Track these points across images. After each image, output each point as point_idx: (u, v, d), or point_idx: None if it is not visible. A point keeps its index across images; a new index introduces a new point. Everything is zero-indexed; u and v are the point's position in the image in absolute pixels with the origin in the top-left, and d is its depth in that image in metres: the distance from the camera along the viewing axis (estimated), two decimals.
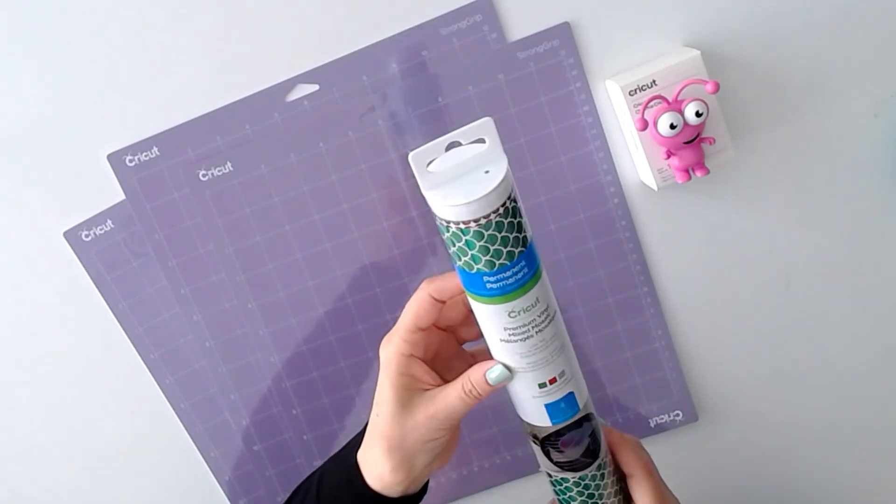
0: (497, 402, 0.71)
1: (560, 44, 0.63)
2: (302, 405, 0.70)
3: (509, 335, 0.46)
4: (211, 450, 0.71)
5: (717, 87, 0.58)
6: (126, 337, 0.69)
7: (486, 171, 0.43)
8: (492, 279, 0.44)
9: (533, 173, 0.65)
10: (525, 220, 0.45)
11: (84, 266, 0.67)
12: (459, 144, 0.44)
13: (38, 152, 0.64)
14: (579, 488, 0.52)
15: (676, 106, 0.59)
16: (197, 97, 0.64)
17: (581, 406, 0.50)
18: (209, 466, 0.72)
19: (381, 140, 0.65)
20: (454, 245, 0.44)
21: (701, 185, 0.66)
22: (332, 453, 0.70)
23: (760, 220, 0.68)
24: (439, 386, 0.50)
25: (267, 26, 0.62)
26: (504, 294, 0.45)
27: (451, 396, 0.49)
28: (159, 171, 0.65)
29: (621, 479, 0.55)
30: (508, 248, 0.43)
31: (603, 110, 0.65)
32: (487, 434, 0.71)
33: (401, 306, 0.60)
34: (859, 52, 0.64)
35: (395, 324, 0.50)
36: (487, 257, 0.43)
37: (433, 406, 0.49)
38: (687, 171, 0.62)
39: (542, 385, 0.48)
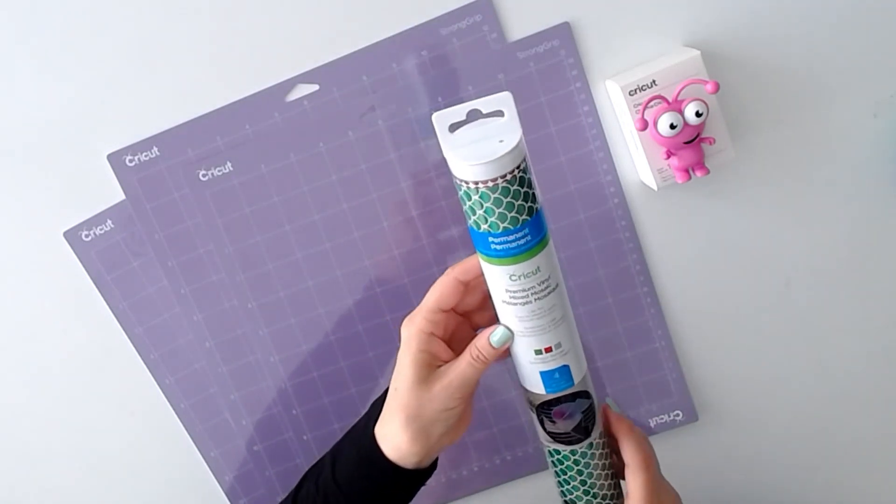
0: (497, 403, 0.71)
1: (560, 44, 0.63)
2: (302, 405, 0.70)
3: (510, 297, 0.51)
4: (211, 450, 0.71)
5: (717, 87, 0.58)
6: (126, 337, 0.69)
7: (501, 141, 0.47)
8: (496, 240, 0.48)
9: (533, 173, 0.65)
10: (535, 192, 0.49)
11: (84, 266, 0.67)
12: (480, 113, 0.48)
13: (38, 152, 0.64)
14: (569, 462, 0.56)
15: (676, 106, 0.59)
16: (197, 97, 0.64)
17: (576, 381, 0.54)
18: (209, 466, 0.72)
19: (381, 140, 0.65)
20: (465, 203, 0.49)
21: (701, 185, 0.66)
22: None
23: (760, 220, 0.68)
24: (452, 360, 0.54)
25: (267, 26, 0.62)
26: (506, 256, 0.49)
27: (462, 365, 0.53)
28: (159, 171, 0.65)
29: (616, 468, 0.58)
30: (513, 214, 0.48)
31: (603, 110, 0.65)
32: (487, 434, 0.71)
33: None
34: (859, 52, 0.64)
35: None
36: (493, 218, 0.48)
37: (447, 377, 0.53)
38: (687, 171, 0.62)
39: (538, 352, 0.52)
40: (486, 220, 0.48)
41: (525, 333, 0.52)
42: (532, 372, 0.53)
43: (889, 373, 0.72)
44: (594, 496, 0.57)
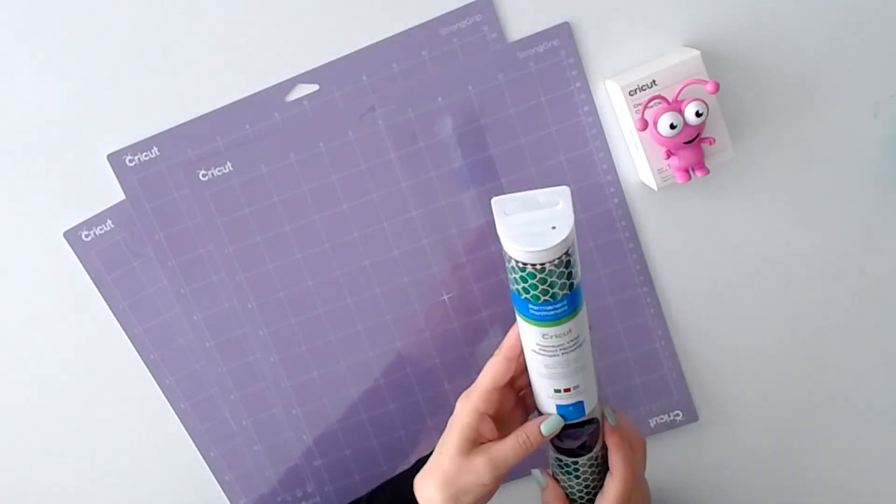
0: None
1: (560, 44, 0.63)
2: (302, 405, 0.70)
3: (540, 349, 0.54)
4: (211, 450, 0.71)
5: (717, 87, 0.58)
6: (126, 337, 0.69)
7: (553, 227, 0.49)
8: (535, 308, 0.51)
9: (533, 173, 0.65)
10: (576, 269, 0.51)
11: (84, 266, 0.67)
12: (536, 201, 0.52)
13: (38, 152, 0.64)
14: (569, 469, 0.60)
15: (676, 106, 0.59)
16: (197, 97, 0.64)
17: (587, 412, 0.57)
18: (209, 466, 0.72)
19: (381, 140, 0.65)
20: (512, 276, 0.51)
21: (701, 185, 0.66)
22: (331, 453, 0.71)
23: (760, 220, 0.68)
24: (498, 440, 0.57)
25: (267, 26, 0.62)
26: (542, 321, 0.52)
27: (507, 447, 0.57)
28: (159, 171, 0.65)
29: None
30: (555, 290, 0.50)
31: (603, 110, 0.65)
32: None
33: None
34: (859, 52, 0.64)
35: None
36: (535, 292, 0.50)
37: (488, 454, 0.56)
38: (687, 171, 0.62)
39: (557, 391, 0.56)
40: (529, 293, 0.51)
41: (548, 377, 0.55)
42: (549, 405, 0.57)
43: (889, 373, 0.72)
44: (590, 491, 0.61)
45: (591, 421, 0.58)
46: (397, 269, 0.67)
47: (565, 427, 0.58)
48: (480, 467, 0.56)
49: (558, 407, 0.57)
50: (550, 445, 0.60)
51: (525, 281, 0.50)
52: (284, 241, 0.66)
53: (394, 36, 0.63)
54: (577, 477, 0.61)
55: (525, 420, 0.60)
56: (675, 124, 0.59)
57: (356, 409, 0.70)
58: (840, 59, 0.64)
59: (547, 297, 0.50)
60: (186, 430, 0.71)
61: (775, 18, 0.63)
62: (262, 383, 0.70)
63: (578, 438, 0.59)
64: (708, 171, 0.62)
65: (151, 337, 0.69)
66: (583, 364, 0.55)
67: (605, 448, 0.60)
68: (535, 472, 0.62)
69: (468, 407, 0.57)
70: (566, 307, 0.51)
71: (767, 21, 0.63)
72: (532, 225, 0.50)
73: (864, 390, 0.73)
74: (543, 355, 0.54)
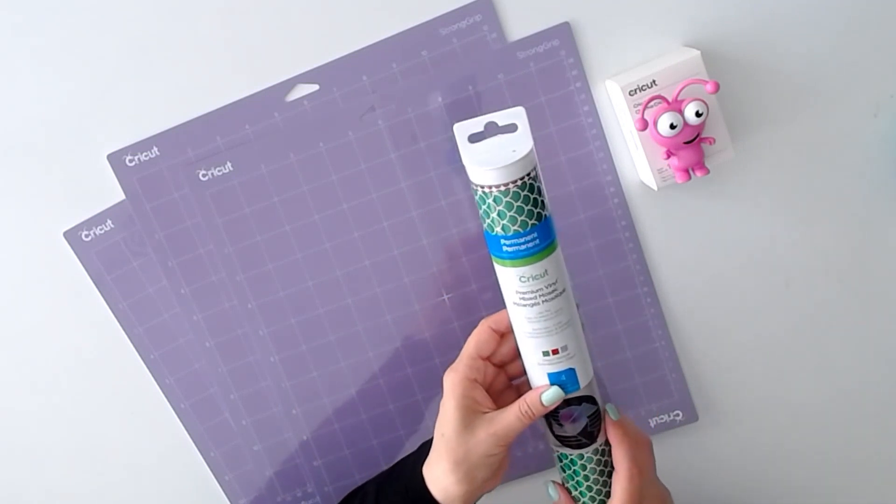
0: None
1: (560, 44, 0.63)
2: (302, 405, 0.70)
3: (520, 298, 0.54)
4: (211, 450, 0.71)
5: (717, 87, 0.58)
6: (126, 337, 0.69)
7: (514, 150, 0.52)
8: (507, 242, 0.53)
9: None
10: (544, 199, 0.53)
11: (84, 266, 0.67)
12: (496, 125, 0.55)
13: (38, 152, 0.64)
14: (576, 466, 0.59)
15: (676, 106, 0.59)
16: (197, 97, 0.64)
17: (582, 385, 0.57)
18: (209, 466, 0.72)
19: (381, 140, 0.65)
20: (481, 207, 0.53)
21: (701, 185, 0.66)
22: (331, 453, 0.70)
23: (760, 220, 0.68)
24: (495, 410, 0.57)
25: (267, 26, 0.63)
26: (517, 258, 0.53)
27: (510, 416, 0.56)
28: (159, 171, 0.65)
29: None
30: (523, 218, 0.52)
31: (603, 110, 0.65)
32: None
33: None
34: (859, 52, 0.64)
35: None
36: (505, 221, 0.52)
37: (493, 426, 0.56)
38: (687, 171, 0.62)
39: (545, 353, 0.56)
40: (499, 223, 0.52)
41: (533, 335, 0.55)
42: (540, 374, 0.57)
43: (889, 373, 0.72)
44: (599, 496, 0.60)
45: (589, 400, 0.58)
46: (397, 269, 0.67)
47: (561, 404, 0.57)
48: (487, 438, 0.56)
49: (550, 376, 0.56)
50: (554, 440, 0.59)
51: (493, 209, 0.52)
52: (284, 241, 0.66)
53: (394, 36, 0.63)
54: (586, 479, 0.59)
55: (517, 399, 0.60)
56: (675, 124, 0.59)
57: (356, 409, 0.70)
58: (840, 59, 0.64)
59: (516, 227, 0.52)
60: (186, 430, 0.71)
61: (775, 18, 0.63)
62: (262, 383, 0.70)
63: (578, 421, 0.58)
64: (708, 171, 0.62)
65: (151, 337, 0.69)
66: (567, 320, 0.55)
67: (610, 446, 0.59)
68: (549, 484, 0.62)
69: (457, 378, 0.57)
70: (537, 241, 0.53)
71: (767, 21, 0.63)
72: (493, 150, 0.53)
73: (863, 390, 0.73)
74: (524, 305, 0.54)
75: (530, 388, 0.58)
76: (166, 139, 0.64)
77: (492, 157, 0.52)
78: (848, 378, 0.72)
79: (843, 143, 0.66)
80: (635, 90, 0.60)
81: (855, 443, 0.74)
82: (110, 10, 0.62)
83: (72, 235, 0.66)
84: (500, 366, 0.60)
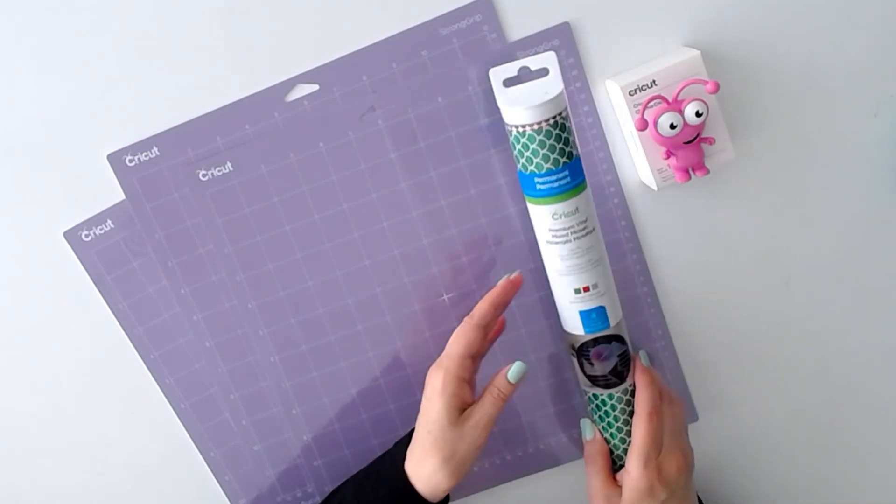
0: None
1: (560, 44, 0.63)
2: (302, 405, 0.70)
3: (552, 236, 0.58)
4: (211, 450, 0.71)
5: (717, 87, 0.58)
6: (126, 337, 0.69)
7: (545, 92, 0.56)
8: (540, 180, 0.57)
9: None
10: (574, 139, 0.57)
11: (84, 266, 0.67)
12: (529, 70, 0.60)
13: (38, 152, 0.64)
14: (606, 407, 0.62)
15: (676, 106, 0.59)
16: (197, 97, 0.64)
17: (612, 324, 0.60)
18: (209, 466, 0.72)
19: (381, 140, 0.65)
20: (515, 147, 0.57)
21: (701, 185, 0.66)
22: (331, 453, 0.70)
23: (760, 220, 0.68)
24: (474, 403, 0.60)
25: (267, 26, 0.63)
26: (549, 196, 0.57)
27: (486, 405, 0.60)
28: (159, 171, 0.65)
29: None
30: (555, 156, 0.56)
31: (603, 110, 0.65)
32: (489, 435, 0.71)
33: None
34: (859, 52, 0.64)
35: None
36: (538, 160, 0.56)
37: (474, 417, 0.59)
38: (687, 171, 0.62)
39: (577, 291, 0.59)
40: (532, 162, 0.56)
41: (565, 272, 0.59)
42: (572, 313, 0.60)
43: (889, 372, 0.72)
44: (629, 437, 0.62)
45: (619, 339, 0.61)
46: (397, 269, 0.67)
47: (592, 343, 0.60)
48: (472, 431, 0.59)
49: (581, 314, 0.59)
50: (585, 380, 0.62)
51: (527, 147, 0.56)
52: (284, 241, 0.66)
53: (394, 36, 0.63)
54: (616, 419, 0.62)
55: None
56: (675, 124, 0.59)
57: (356, 409, 0.70)
58: (840, 59, 0.64)
59: (549, 165, 0.56)
60: (186, 430, 0.71)
61: (775, 19, 0.63)
62: (262, 383, 0.70)
63: (608, 360, 0.61)
64: (708, 171, 0.62)
65: (151, 337, 0.69)
66: (597, 258, 0.59)
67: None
68: (585, 421, 0.64)
69: (448, 377, 0.59)
70: (569, 178, 0.57)
71: (767, 21, 0.63)
72: (526, 93, 0.57)
73: (863, 390, 0.73)
74: (557, 243, 0.58)
75: (562, 327, 0.62)
76: (166, 139, 0.64)
77: (525, 98, 0.56)
78: (848, 378, 0.72)
79: (843, 143, 0.66)
80: (635, 90, 0.60)
81: (855, 442, 0.74)
82: (110, 10, 0.62)
83: (72, 235, 0.66)
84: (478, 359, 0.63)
